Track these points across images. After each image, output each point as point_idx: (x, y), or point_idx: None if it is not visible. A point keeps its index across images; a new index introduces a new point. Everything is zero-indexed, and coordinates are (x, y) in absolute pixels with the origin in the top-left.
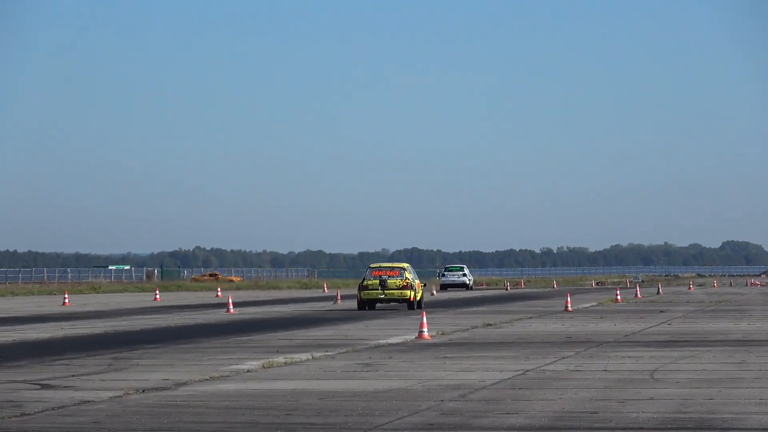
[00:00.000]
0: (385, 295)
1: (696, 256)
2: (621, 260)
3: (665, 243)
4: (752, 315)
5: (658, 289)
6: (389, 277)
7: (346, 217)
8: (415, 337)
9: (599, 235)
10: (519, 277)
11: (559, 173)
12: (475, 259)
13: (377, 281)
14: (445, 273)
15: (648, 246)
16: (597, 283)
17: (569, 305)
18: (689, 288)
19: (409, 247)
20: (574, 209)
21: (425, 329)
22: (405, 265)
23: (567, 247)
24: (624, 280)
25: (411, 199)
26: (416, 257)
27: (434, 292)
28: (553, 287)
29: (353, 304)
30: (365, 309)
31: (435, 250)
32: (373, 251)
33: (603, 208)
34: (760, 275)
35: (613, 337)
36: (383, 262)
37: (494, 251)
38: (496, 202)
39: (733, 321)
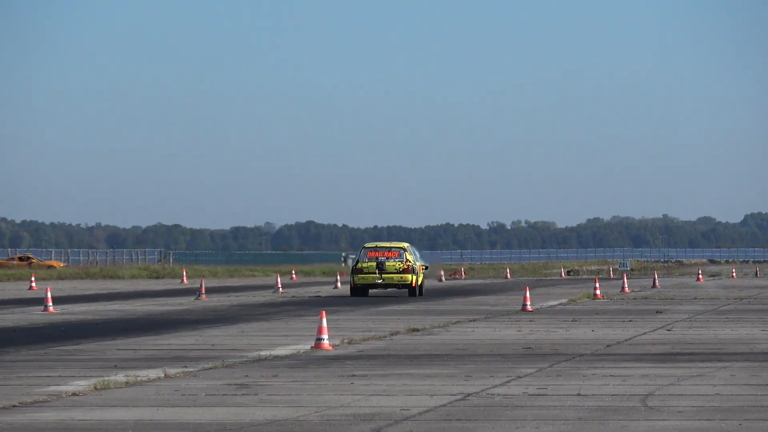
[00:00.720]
0: (383, 280)
1: (707, 235)
2: (602, 240)
3: (664, 216)
4: None
5: (654, 280)
6: (387, 258)
7: (214, 180)
8: (311, 347)
9: (571, 206)
10: (458, 263)
11: (515, 119)
12: (396, 238)
13: (374, 264)
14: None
15: (640, 220)
16: (568, 272)
17: (528, 303)
18: (698, 279)
19: (303, 220)
20: (536, 169)
21: (325, 336)
22: (405, 245)
23: (526, 222)
24: (606, 267)
25: (305, 159)
26: (313, 235)
27: (339, 286)
28: (506, 277)
29: (225, 300)
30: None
31: (339, 225)
32: (252, 226)
33: (576, 168)
34: None
35: (591, 348)
36: (380, 241)
37: (423, 227)
38: (425, 159)
39: (759, 326)
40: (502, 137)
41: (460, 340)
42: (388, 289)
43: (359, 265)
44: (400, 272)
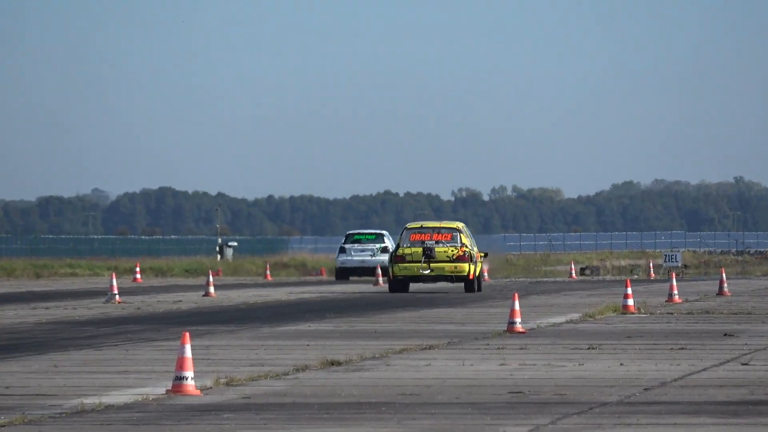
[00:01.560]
0: (432, 270)
1: None
2: (637, 217)
3: (738, 180)
4: None
5: (721, 283)
6: (437, 242)
7: (10, 127)
8: (167, 391)
9: (588, 165)
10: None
11: (495, 36)
12: (305, 212)
13: (419, 249)
14: (346, 246)
15: (699, 186)
16: (582, 270)
17: (518, 319)
18: None
19: (154, 186)
20: (530, 110)
21: (189, 373)
22: (459, 225)
23: (514, 189)
24: (643, 261)
25: (151, 92)
26: (170, 209)
27: (211, 291)
28: (483, 278)
29: (28, 314)
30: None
31: (212, 193)
32: (71, 195)
33: (594, 106)
34: None
35: (618, 393)
36: (426, 221)
37: (347, 197)
38: (351, 92)
39: None
40: (475, 61)
41: (408, 379)
42: (438, 283)
43: (400, 251)
44: (453, 260)
